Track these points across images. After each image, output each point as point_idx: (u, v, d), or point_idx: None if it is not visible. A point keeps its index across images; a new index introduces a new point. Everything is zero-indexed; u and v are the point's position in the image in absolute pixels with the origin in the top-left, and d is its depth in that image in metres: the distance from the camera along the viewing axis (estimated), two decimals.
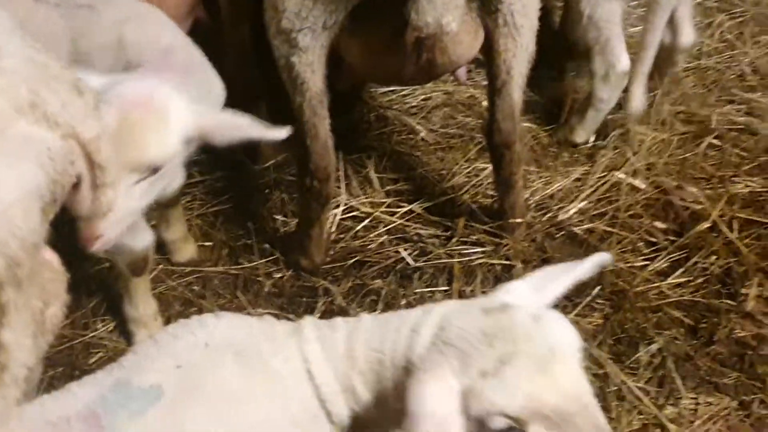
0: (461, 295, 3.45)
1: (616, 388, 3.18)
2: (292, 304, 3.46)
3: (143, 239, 3.05)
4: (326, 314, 3.39)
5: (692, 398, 3.19)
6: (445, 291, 3.49)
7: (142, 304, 3.25)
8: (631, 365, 3.29)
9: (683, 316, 3.44)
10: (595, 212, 3.86)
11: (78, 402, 1.96)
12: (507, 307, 1.95)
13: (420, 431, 1.83)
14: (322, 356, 2.04)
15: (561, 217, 3.82)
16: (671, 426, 3.08)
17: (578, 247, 3.69)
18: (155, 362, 2.04)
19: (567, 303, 3.46)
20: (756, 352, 3.31)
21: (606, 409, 3.12)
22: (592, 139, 4.23)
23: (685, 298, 3.51)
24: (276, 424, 2.00)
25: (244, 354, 2.04)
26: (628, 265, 3.62)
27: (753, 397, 3.19)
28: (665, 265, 3.62)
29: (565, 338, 1.93)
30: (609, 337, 3.38)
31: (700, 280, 3.56)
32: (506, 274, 3.53)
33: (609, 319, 3.42)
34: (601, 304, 3.49)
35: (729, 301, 3.46)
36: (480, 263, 3.57)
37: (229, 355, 2.03)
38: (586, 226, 3.78)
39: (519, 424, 1.83)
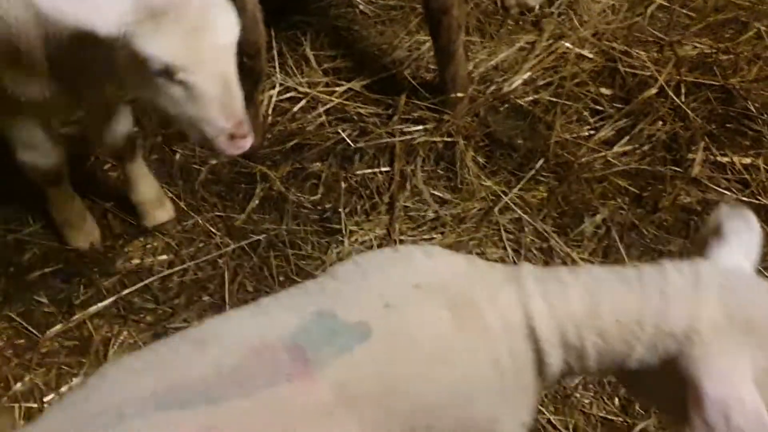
0: (402, 175, 3.50)
1: (560, 261, 3.27)
2: (231, 191, 3.48)
3: (126, 124, 3.13)
4: (265, 200, 3.44)
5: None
6: (387, 171, 3.52)
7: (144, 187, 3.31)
8: (576, 237, 3.37)
9: (628, 184, 3.51)
10: (541, 83, 3.86)
11: (279, 329, 1.87)
12: None
13: (736, 418, 1.74)
14: (548, 313, 1.91)
15: (505, 89, 3.82)
16: None
17: (522, 119, 3.71)
18: (362, 297, 1.94)
19: (511, 177, 3.53)
20: (701, 218, 3.40)
21: None
22: (539, 5, 4.20)
23: (630, 166, 3.57)
24: (483, 375, 1.91)
25: (457, 301, 1.92)
26: (574, 135, 3.66)
27: None
28: (611, 134, 3.66)
29: None
30: (554, 210, 3.45)
31: (645, 148, 3.61)
32: (448, 152, 3.57)
33: (554, 192, 3.48)
34: (546, 177, 3.54)
35: (675, 168, 3.53)
36: (422, 141, 3.59)
37: (442, 300, 1.92)
38: (531, 98, 3.79)
39: None
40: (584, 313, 1.90)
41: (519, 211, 3.41)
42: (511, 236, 3.37)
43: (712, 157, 3.57)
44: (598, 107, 3.76)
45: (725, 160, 3.57)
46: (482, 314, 1.90)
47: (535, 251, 3.33)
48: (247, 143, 2.56)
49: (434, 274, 1.97)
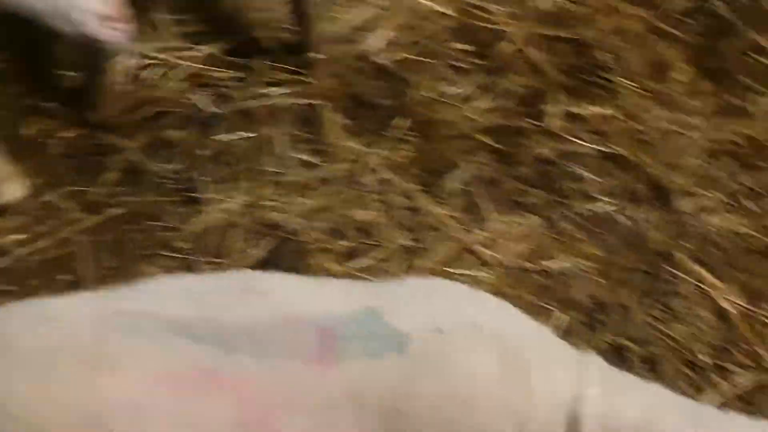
0: (265, 140, 3.48)
1: (427, 218, 3.33)
2: (86, 164, 3.39)
3: None
4: (123, 172, 3.37)
5: (502, 220, 3.37)
6: (249, 137, 3.50)
7: None
8: (441, 195, 3.43)
9: (489, 140, 3.58)
10: (402, 41, 3.87)
11: (323, 308, 1.85)
12: None
13: None
14: (600, 411, 1.83)
15: (367, 48, 3.82)
16: (482, 249, 3.26)
17: (385, 79, 3.73)
18: (418, 312, 1.88)
19: (376, 138, 3.56)
20: (559, 169, 3.52)
21: (419, 240, 3.30)
22: None
23: (491, 122, 3.64)
24: None
25: (510, 353, 1.84)
26: (436, 93, 3.69)
27: (557, 212, 3.41)
28: (471, 90, 3.71)
29: None
30: (418, 169, 3.49)
31: (504, 103, 3.68)
32: (312, 114, 3.57)
33: (418, 151, 3.52)
34: (410, 136, 3.58)
35: (533, 121, 3.62)
36: (284, 105, 3.57)
37: (496, 347, 1.84)
38: (392, 57, 3.80)
39: None
40: (634, 425, 1.83)
41: (384, 172, 3.45)
42: (377, 197, 3.39)
43: (568, 109, 3.66)
44: (458, 64, 3.80)
45: (581, 111, 3.67)
46: (530, 378, 1.82)
47: (404, 210, 3.38)
48: (127, 29, 2.33)
49: (499, 321, 1.93)
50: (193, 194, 3.34)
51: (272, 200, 3.34)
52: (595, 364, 1.92)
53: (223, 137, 3.48)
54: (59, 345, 1.75)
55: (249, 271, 2.03)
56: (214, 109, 3.57)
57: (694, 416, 1.85)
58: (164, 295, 1.88)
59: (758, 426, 1.88)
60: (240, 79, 3.69)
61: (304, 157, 3.49)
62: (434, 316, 1.86)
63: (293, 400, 1.76)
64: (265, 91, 3.62)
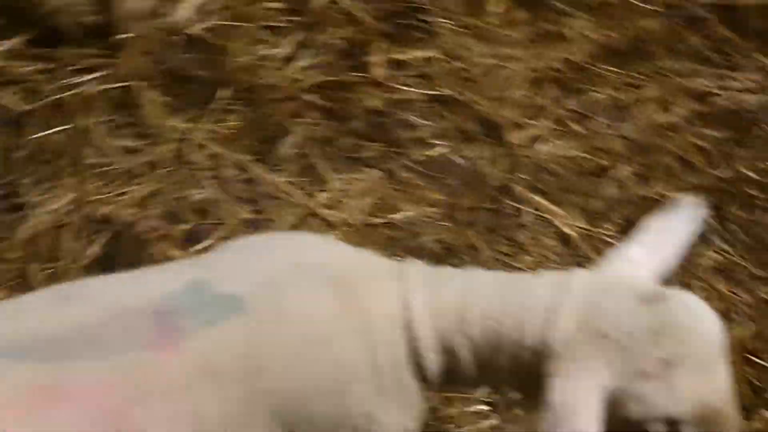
0: (83, 131, 3.34)
1: (265, 188, 3.29)
2: None
3: None
4: None
5: (341, 179, 3.36)
6: (65, 130, 3.35)
7: None
8: (276, 162, 3.40)
9: (317, 99, 3.56)
10: (210, 7, 3.78)
11: (150, 294, 1.81)
12: (664, 296, 1.84)
13: (560, 428, 1.75)
14: (427, 309, 1.89)
15: (176, 20, 3.71)
16: (326, 212, 3.24)
17: (199, 50, 3.64)
18: (238, 270, 1.90)
19: (199, 112, 3.48)
20: (390, 118, 3.53)
21: (261, 212, 3.25)
22: None
23: (316, 80, 3.61)
24: (357, 368, 1.86)
25: (339, 284, 1.88)
26: (254, 57, 3.64)
27: (395, 163, 3.42)
28: (290, 49, 3.67)
29: (716, 328, 1.84)
30: (249, 139, 3.44)
31: (326, 58, 3.67)
32: (127, 97, 3.46)
33: (246, 119, 3.47)
34: (234, 106, 3.52)
35: (358, 74, 3.61)
36: (96, 91, 3.44)
37: (323, 279, 1.88)
38: (203, 26, 3.72)
39: (674, 425, 1.78)
40: (454, 316, 1.89)
41: (214, 146, 3.38)
42: (210, 173, 3.32)
43: (391, 56, 3.67)
44: (274, 24, 3.75)
45: (404, 57, 3.69)
46: (363, 299, 1.87)
47: (241, 184, 3.33)
48: None
49: (319, 255, 1.96)
50: (15, 200, 3.20)
51: (100, 193, 3.23)
52: (415, 269, 1.97)
53: (39, 135, 3.33)
54: None
55: (70, 282, 1.97)
56: (24, 107, 3.41)
57: (503, 284, 1.93)
58: None
59: (557, 275, 1.95)
60: (47, 71, 3.55)
61: (127, 143, 3.39)
62: (258, 270, 1.89)
63: (146, 390, 1.73)
64: (75, 80, 3.49)
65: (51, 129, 3.34)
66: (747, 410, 2.85)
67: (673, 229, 2.01)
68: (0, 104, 3.41)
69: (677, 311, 1.81)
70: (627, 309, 1.81)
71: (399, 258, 3.19)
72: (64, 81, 3.46)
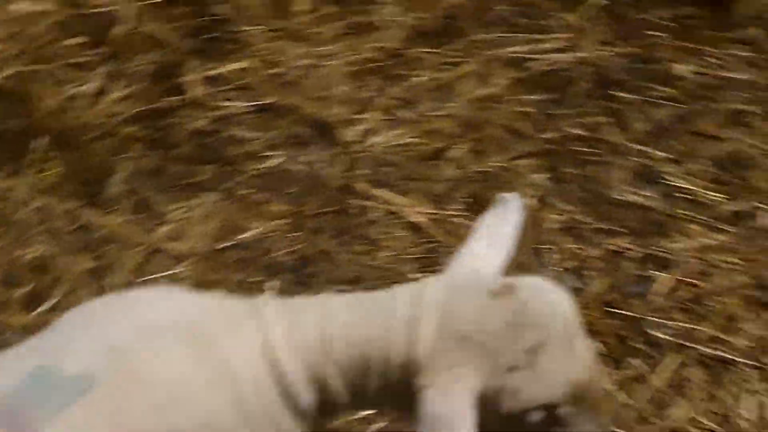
0: None
1: (101, 233, 3.21)
2: None
3: None
4: None
5: (179, 208, 3.32)
6: None
7: None
8: (107, 203, 3.32)
9: (138, 130, 3.51)
10: (10, 53, 3.65)
11: None
12: (512, 287, 1.84)
13: None
14: (290, 344, 1.88)
15: None
16: (169, 245, 3.20)
17: (6, 102, 3.53)
18: (81, 346, 1.82)
19: (17, 166, 3.36)
20: (218, 137, 3.52)
21: (101, 257, 3.16)
22: None
23: (133, 110, 3.56)
24: (226, 419, 1.84)
25: (191, 336, 1.85)
26: (65, 98, 3.54)
27: (231, 182, 3.40)
28: (100, 83, 3.59)
29: (567, 304, 1.86)
30: (74, 184, 3.35)
31: (140, 86, 3.61)
32: None
33: (67, 165, 3.38)
34: (54, 153, 3.41)
35: (176, 97, 3.58)
36: None
37: (174, 336, 1.84)
38: (4, 74, 3.58)
39: (552, 409, 1.80)
40: (319, 346, 1.89)
41: (39, 199, 3.28)
42: (41, 228, 3.21)
43: (206, 74, 3.65)
44: (78, 60, 3.66)
45: (220, 72, 3.68)
46: (221, 349, 1.85)
47: (72, 233, 3.23)
48: None
49: (167, 311, 1.91)
50: None
51: None
52: (269, 304, 1.96)
53: None
54: None
55: None
56: None
57: (359, 306, 1.93)
58: None
59: (411, 287, 1.95)
60: None
61: None
62: (103, 340, 1.84)
63: None
64: None
65: None
66: (616, 361, 2.99)
67: (503, 222, 2.06)
68: None
69: (528, 299, 1.83)
70: (481, 307, 1.83)
71: (254, 280, 3.26)
72: None
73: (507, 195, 2.10)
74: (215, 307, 1.96)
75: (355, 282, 3.13)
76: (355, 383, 1.91)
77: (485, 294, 1.84)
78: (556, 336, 1.80)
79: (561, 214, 3.34)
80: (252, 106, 3.59)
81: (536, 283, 1.90)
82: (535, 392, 1.78)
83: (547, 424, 1.84)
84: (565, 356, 1.80)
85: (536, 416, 1.80)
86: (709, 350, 3.01)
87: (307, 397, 1.90)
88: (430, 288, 1.90)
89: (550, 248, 3.24)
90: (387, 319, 1.88)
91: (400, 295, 1.91)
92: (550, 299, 1.86)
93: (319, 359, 1.90)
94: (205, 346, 1.85)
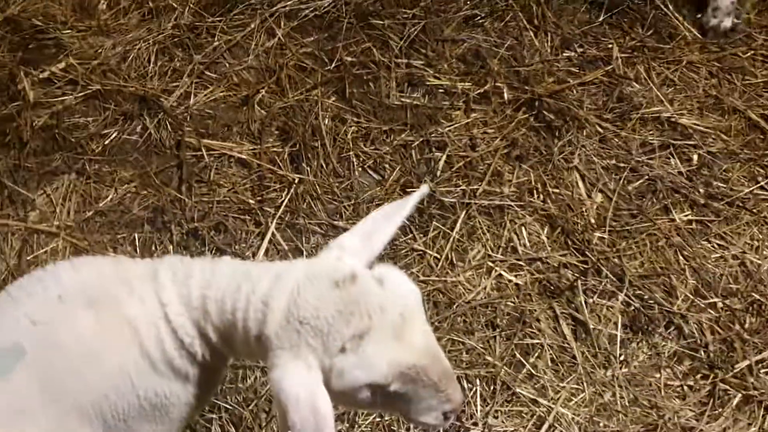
0: None
1: None
2: None
3: None
4: None
5: (43, 193, 3.20)
6: None
7: None
8: None
9: None
10: None
11: None
12: (355, 277, 1.77)
13: (291, 416, 1.68)
14: (179, 303, 1.86)
15: None
16: (43, 226, 3.09)
17: None
18: (11, 320, 1.83)
19: None
20: (59, 128, 3.35)
21: None
22: None
23: None
24: (136, 370, 1.84)
25: (98, 303, 1.84)
26: None
27: (80, 163, 3.27)
28: None
29: (410, 297, 1.80)
30: None
31: None
32: None
33: None
34: None
35: (17, 103, 3.41)
36: None
37: (83, 306, 1.83)
38: None
39: (381, 388, 1.74)
40: (200, 307, 1.86)
41: None
42: None
43: (38, 76, 3.52)
44: None
45: (47, 74, 3.53)
46: (123, 309, 1.85)
47: None
48: None
49: (77, 282, 1.89)
50: None
51: None
52: (166, 265, 1.94)
53: None
54: None
55: None
56: None
57: (237, 275, 1.89)
58: None
59: (282, 265, 1.91)
60: None
61: None
62: (25, 314, 1.84)
63: None
64: None
65: None
66: (422, 227, 3.10)
67: (388, 220, 1.97)
68: None
69: (366, 290, 1.77)
70: (322, 295, 1.76)
71: (120, 236, 3.13)
72: None
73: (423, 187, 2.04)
74: (117, 273, 1.93)
75: (203, 219, 3.12)
76: (228, 341, 1.89)
77: (329, 283, 1.78)
78: (383, 324, 1.74)
79: (356, 126, 3.42)
80: (82, 96, 3.46)
81: (386, 273, 1.83)
82: (356, 373, 1.72)
83: (385, 401, 1.80)
84: (391, 342, 1.74)
85: (364, 393, 1.76)
86: (486, 201, 3.21)
87: (197, 346, 1.89)
88: (291, 272, 1.84)
89: (354, 154, 3.32)
90: (250, 294, 1.83)
91: (271, 272, 1.86)
92: (390, 290, 1.80)
93: (200, 318, 1.88)
94: (110, 309, 1.85)
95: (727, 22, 3.76)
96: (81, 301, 1.85)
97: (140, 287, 1.89)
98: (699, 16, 3.85)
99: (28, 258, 3.02)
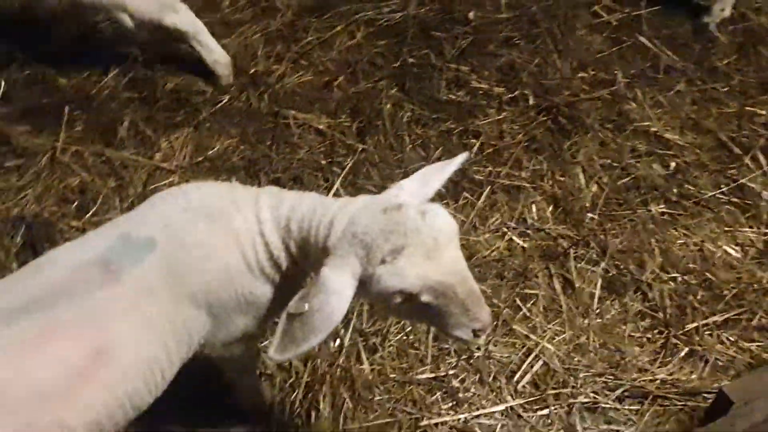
0: None
1: (119, 162, 3.22)
2: None
3: None
4: None
5: (166, 140, 3.33)
6: None
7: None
8: (120, 143, 3.31)
9: (133, 93, 3.52)
10: None
11: (91, 251, 1.83)
12: (401, 206, 1.80)
13: (317, 296, 1.74)
14: (271, 221, 1.93)
15: None
16: (164, 164, 3.24)
17: None
18: (149, 220, 1.92)
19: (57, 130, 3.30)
20: (189, 90, 3.50)
21: (122, 178, 3.16)
22: None
23: (125, 80, 3.56)
24: (237, 270, 1.92)
25: (213, 216, 1.92)
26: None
27: (198, 119, 3.41)
28: None
29: (444, 227, 1.80)
30: (94, 134, 3.34)
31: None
32: None
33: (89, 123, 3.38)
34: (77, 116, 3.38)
35: None
36: None
37: (202, 217, 1.91)
38: None
39: (412, 297, 1.77)
40: (285, 227, 1.93)
41: (73, 147, 3.26)
42: (80, 165, 3.21)
43: None
44: None
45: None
46: (231, 223, 1.93)
47: (98, 166, 3.21)
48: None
49: (199, 199, 1.97)
50: None
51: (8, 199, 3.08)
52: (266, 193, 2.01)
53: None
54: None
55: (42, 256, 1.92)
56: None
57: (315, 204, 1.94)
58: None
59: (348, 199, 1.93)
60: None
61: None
62: (160, 217, 1.94)
63: (108, 316, 1.78)
64: None
65: None
66: (454, 197, 3.14)
67: (439, 171, 1.98)
68: None
69: (406, 216, 1.78)
70: (372, 218, 1.79)
71: (222, 179, 3.14)
72: None
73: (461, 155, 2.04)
74: (229, 195, 2.00)
75: (284, 171, 3.24)
76: (304, 253, 1.95)
77: (379, 209, 1.81)
78: (416, 245, 1.75)
79: (411, 113, 3.52)
80: (204, 70, 3.55)
81: (427, 207, 1.82)
82: (389, 281, 1.74)
83: (420, 311, 1.81)
84: (421, 260, 1.74)
85: (397, 299, 1.77)
86: (507, 181, 3.28)
87: (282, 257, 1.97)
88: (355, 203, 1.89)
89: (407, 134, 3.42)
90: (322, 218, 1.89)
91: (337, 203, 1.92)
92: (429, 219, 1.78)
93: (285, 236, 1.95)
94: (222, 222, 1.94)
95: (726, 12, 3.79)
96: (201, 213, 1.94)
97: (245, 208, 1.97)
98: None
99: (150, 188, 3.18)
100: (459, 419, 2.55)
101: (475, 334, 1.84)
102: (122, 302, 1.80)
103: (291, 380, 2.65)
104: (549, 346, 2.78)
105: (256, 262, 1.95)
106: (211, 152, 3.34)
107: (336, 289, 1.74)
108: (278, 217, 1.94)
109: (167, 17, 3.20)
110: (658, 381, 2.71)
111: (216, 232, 1.92)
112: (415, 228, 1.76)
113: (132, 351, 1.81)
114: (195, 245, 1.90)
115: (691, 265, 3.04)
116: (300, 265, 1.98)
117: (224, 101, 3.55)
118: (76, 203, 3.13)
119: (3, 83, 3.50)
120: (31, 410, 1.67)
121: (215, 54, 3.46)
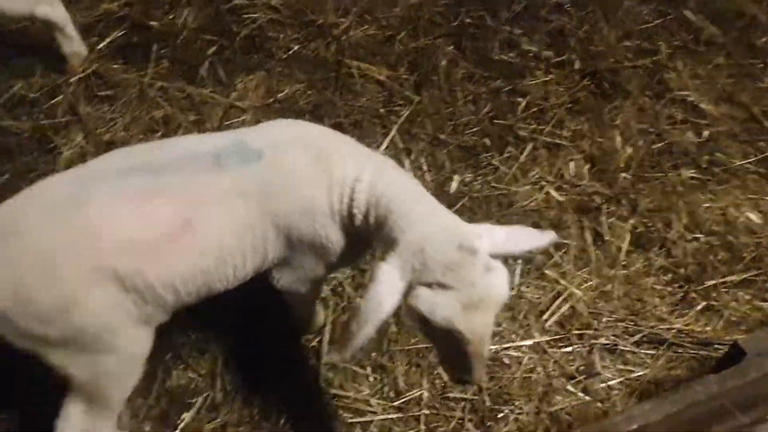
0: None
1: (198, 99, 3.19)
2: None
3: None
4: None
5: (241, 81, 3.27)
6: None
7: None
8: (201, 81, 3.27)
9: (211, 37, 3.45)
10: None
11: (210, 144, 1.89)
12: (476, 252, 1.73)
13: (369, 290, 1.74)
14: (366, 190, 1.90)
15: None
16: (238, 103, 3.18)
17: None
18: (265, 136, 1.94)
19: (144, 65, 3.27)
20: (261, 36, 3.42)
21: (201, 114, 3.12)
22: None
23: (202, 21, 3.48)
24: (321, 206, 1.91)
25: (320, 157, 1.92)
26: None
27: (271, 64, 3.36)
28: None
29: (496, 295, 1.74)
30: (179, 72, 3.30)
31: None
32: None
33: (174, 61, 3.33)
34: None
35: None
36: None
37: (310, 153, 1.91)
38: None
39: (429, 324, 1.74)
40: (374, 197, 1.90)
41: (159, 82, 3.23)
42: (164, 98, 3.19)
43: None
44: None
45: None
46: (331, 166, 1.92)
47: (182, 100, 3.18)
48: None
49: (312, 136, 1.99)
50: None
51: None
52: (379, 159, 1.99)
53: None
54: (53, 197, 1.77)
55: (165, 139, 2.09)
56: None
57: (407, 189, 1.92)
58: (112, 158, 1.89)
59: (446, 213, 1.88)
60: None
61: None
62: (274, 136, 1.96)
63: (205, 195, 1.83)
64: None
65: None
66: (500, 149, 3.10)
67: (525, 237, 1.88)
68: None
69: (472, 265, 1.71)
70: (446, 244, 1.74)
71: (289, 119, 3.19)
72: None
73: (548, 232, 1.90)
74: (345, 145, 2.00)
75: (347, 116, 3.20)
76: (379, 230, 1.91)
77: (456, 243, 1.74)
78: (464, 293, 1.70)
79: (465, 70, 3.44)
80: (278, 17, 3.51)
81: (494, 266, 1.74)
82: (423, 305, 1.72)
83: (428, 330, 1.77)
84: (460, 308, 1.69)
85: (412, 318, 1.76)
86: (549, 139, 3.23)
87: (359, 217, 1.94)
88: (443, 216, 1.84)
89: (460, 90, 3.35)
90: (407, 212, 1.84)
91: (426, 206, 1.87)
92: (489, 278, 1.72)
93: (371, 207, 1.91)
94: (325, 163, 1.92)
95: None
96: (311, 150, 1.93)
97: (350, 164, 1.94)
98: None
99: (225, 123, 3.14)
100: (490, 350, 2.55)
101: (461, 381, 1.83)
102: (219, 191, 1.83)
103: (343, 304, 2.67)
104: (576, 291, 2.76)
105: (338, 209, 1.94)
106: (280, 95, 3.31)
107: (389, 282, 1.73)
108: (374, 188, 1.91)
109: (38, 8, 3.04)
110: (674, 330, 2.68)
111: (315, 170, 1.91)
112: (472, 280, 1.70)
113: (215, 234, 1.84)
114: (292, 173, 1.90)
115: (714, 228, 2.98)
116: (370, 233, 1.95)
117: (294, 49, 3.49)
118: (160, 133, 3.12)
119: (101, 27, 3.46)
120: (117, 256, 1.73)
121: (75, 46, 3.28)
